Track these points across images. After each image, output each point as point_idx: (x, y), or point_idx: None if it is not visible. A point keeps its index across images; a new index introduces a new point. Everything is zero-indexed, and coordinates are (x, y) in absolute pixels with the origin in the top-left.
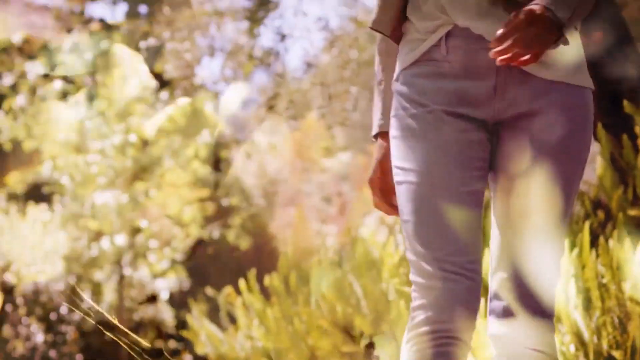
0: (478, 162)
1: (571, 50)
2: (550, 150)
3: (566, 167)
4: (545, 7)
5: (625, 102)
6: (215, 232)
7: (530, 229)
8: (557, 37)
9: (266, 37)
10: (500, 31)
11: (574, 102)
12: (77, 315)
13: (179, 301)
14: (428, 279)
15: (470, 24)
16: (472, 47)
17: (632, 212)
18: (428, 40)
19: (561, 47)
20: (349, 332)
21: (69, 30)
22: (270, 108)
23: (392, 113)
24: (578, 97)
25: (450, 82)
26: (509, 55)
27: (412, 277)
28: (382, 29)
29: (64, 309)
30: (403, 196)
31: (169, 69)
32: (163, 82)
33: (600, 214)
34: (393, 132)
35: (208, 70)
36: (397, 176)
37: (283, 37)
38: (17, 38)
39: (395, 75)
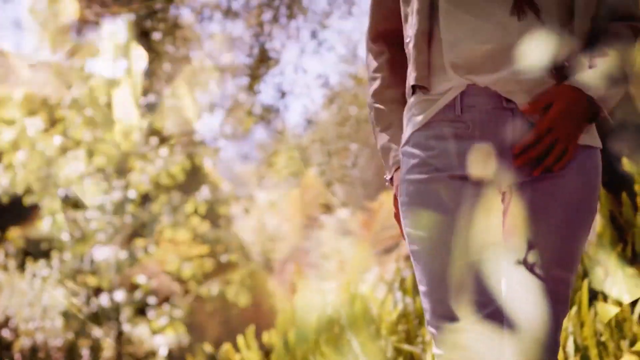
0: (494, 228)
1: None
2: (565, 212)
3: (578, 228)
4: (584, 94)
5: (625, 160)
6: (214, 288)
7: (539, 288)
8: (594, 119)
9: (266, 93)
10: (531, 135)
11: (589, 164)
12: None
13: (177, 358)
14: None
15: (486, 82)
16: (488, 106)
17: (631, 270)
18: (441, 100)
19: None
20: None
21: (69, 86)
22: (270, 165)
23: (402, 177)
24: (592, 158)
25: (466, 143)
26: (545, 161)
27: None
28: (425, 83)
29: None
30: (419, 266)
31: (169, 125)
32: (162, 138)
33: (599, 272)
34: (403, 197)
35: (208, 126)
36: (411, 244)
37: (283, 94)
38: (17, 94)
39: (405, 138)
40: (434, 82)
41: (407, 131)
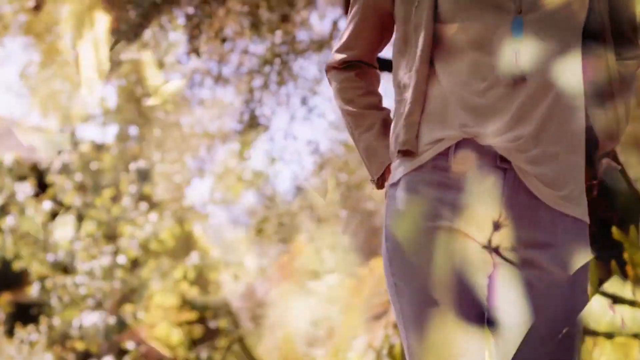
0: (480, 288)
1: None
2: (559, 288)
3: (574, 303)
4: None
5: (614, 229)
6: (202, 354)
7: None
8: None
9: (256, 159)
10: None
11: (581, 238)
12: None
13: None
14: None
15: (486, 139)
16: (481, 160)
17: (621, 339)
18: (435, 148)
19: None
20: None
21: (59, 151)
22: (260, 230)
23: (388, 221)
24: (583, 232)
25: (456, 195)
26: None
27: None
28: (413, 147)
29: None
30: (402, 317)
31: (159, 190)
32: (152, 204)
33: (589, 341)
34: (388, 243)
35: (198, 192)
36: (393, 294)
37: (273, 160)
38: (7, 159)
39: (393, 179)
40: (424, 135)
41: (398, 172)
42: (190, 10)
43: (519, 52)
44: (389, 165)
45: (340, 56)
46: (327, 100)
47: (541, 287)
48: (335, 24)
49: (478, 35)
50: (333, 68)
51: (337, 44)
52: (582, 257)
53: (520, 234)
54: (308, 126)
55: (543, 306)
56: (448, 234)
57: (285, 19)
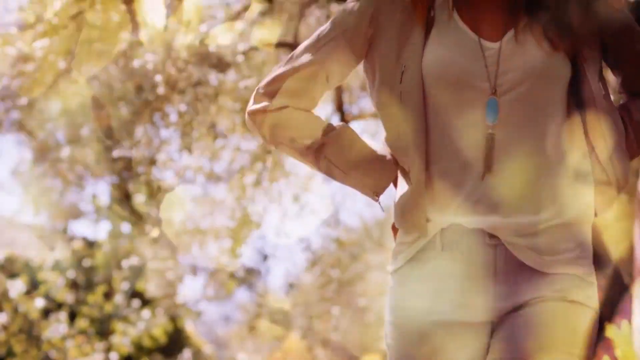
0: None
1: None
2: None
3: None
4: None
5: (607, 325)
6: None
7: None
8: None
9: (248, 256)
10: None
11: (583, 288)
12: None
13: None
14: None
15: (472, 224)
16: (470, 242)
17: None
18: (420, 240)
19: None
20: None
21: (52, 248)
22: (252, 327)
23: (389, 318)
24: (588, 286)
25: (449, 283)
26: None
27: None
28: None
29: None
30: None
31: (151, 287)
32: (145, 301)
33: None
34: (389, 340)
35: (190, 289)
36: None
37: (265, 257)
38: None
39: (394, 264)
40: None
41: (391, 264)
42: (182, 107)
43: (494, 136)
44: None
45: (280, 103)
46: (319, 198)
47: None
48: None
49: (452, 117)
50: (262, 112)
51: (275, 81)
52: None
53: (518, 301)
54: (300, 223)
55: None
56: (447, 329)
57: None
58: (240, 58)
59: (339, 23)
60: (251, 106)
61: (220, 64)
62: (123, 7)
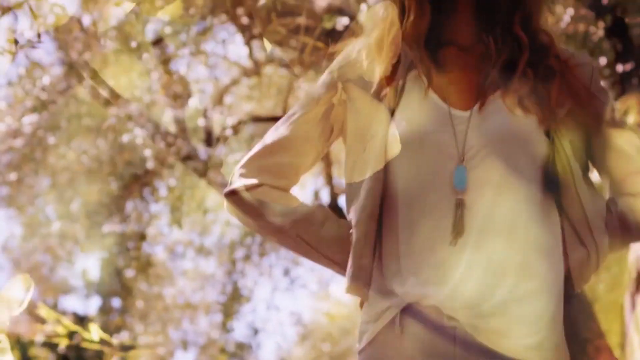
0: None
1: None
2: None
3: None
4: None
5: None
6: None
7: None
8: None
9: (239, 331)
10: None
11: None
12: None
13: None
14: None
15: (430, 301)
16: (429, 326)
17: None
18: (380, 321)
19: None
20: None
21: (43, 323)
22: None
23: None
24: None
25: None
26: None
27: None
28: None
29: None
30: None
31: None
32: None
33: None
34: None
35: None
36: None
37: (256, 331)
38: None
39: (360, 342)
40: (371, 301)
41: (361, 341)
42: (172, 181)
43: (462, 205)
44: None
45: (254, 182)
46: (309, 271)
47: None
48: (316, 193)
49: (417, 184)
50: (238, 193)
51: (250, 160)
52: None
53: None
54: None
55: None
56: None
57: None
58: (229, 132)
59: (309, 95)
60: (227, 188)
61: (209, 138)
62: (113, 82)
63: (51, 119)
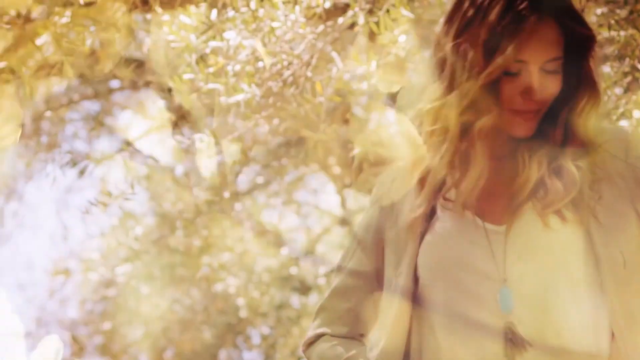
0: None
1: None
2: None
3: None
4: None
5: None
6: None
7: None
8: None
9: None
10: None
11: None
12: None
13: None
14: None
15: None
16: None
17: None
18: None
19: None
20: None
21: None
22: None
23: None
24: None
25: None
26: None
27: None
28: None
29: None
30: None
31: None
32: None
33: None
34: None
35: None
36: None
37: None
38: None
39: None
40: None
41: None
42: (265, 329)
43: (512, 326)
44: None
45: (315, 332)
46: None
47: None
48: None
49: (460, 307)
50: (306, 345)
51: (317, 311)
52: None
53: None
54: None
55: None
56: None
57: None
58: (321, 280)
59: (356, 237)
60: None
61: (302, 287)
62: (205, 232)
63: (144, 268)
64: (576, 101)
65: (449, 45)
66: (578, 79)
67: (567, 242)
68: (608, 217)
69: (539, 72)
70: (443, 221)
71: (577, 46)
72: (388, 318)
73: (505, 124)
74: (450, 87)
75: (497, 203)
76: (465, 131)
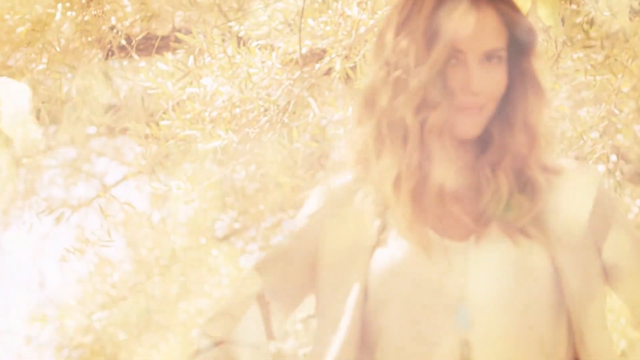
0: None
1: None
2: None
3: None
4: None
5: None
6: None
7: None
8: None
9: None
10: None
11: None
12: None
13: None
14: None
15: None
16: None
17: None
18: None
19: None
20: None
21: None
22: None
23: None
24: None
25: None
26: None
27: None
28: None
29: None
30: None
31: None
32: None
33: None
34: None
35: None
36: None
37: None
38: None
39: None
40: None
41: None
42: None
43: (469, 345)
44: None
45: None
46: None
47: None
48: None
49: (415, 326)
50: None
51: None
52: None
53: None
54: None
55: None
56: None
57: None
58: (298, 326)
59: (280, 246)
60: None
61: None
62: (182, 278)
63: (121, 315)
64: (525, 101)
65: (390, 44)
66: (521, 76)
67: (532, 260)
68: (569, 236)
69: (478, 63)
70: (395, 234)
71: (521, 43)
72: (329, 347)
73: (452, 122)
74: (399, 87)
75: (458, 222)
76: (419, 134)
